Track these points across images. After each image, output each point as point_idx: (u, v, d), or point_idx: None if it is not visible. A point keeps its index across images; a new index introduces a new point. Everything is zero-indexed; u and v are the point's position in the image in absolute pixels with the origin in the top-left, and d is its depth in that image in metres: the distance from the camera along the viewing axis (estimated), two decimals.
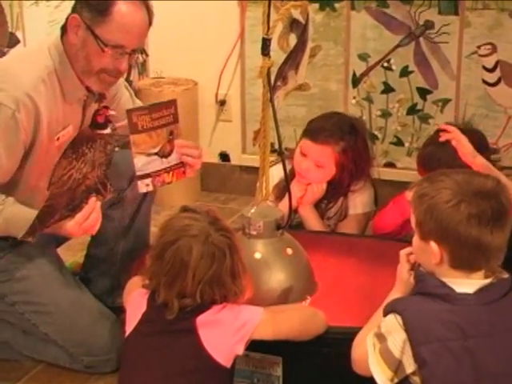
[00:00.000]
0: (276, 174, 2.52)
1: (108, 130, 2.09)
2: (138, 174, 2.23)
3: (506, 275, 1.70)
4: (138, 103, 2.55)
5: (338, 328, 1.99)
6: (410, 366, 1.62)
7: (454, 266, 1.68)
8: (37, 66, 2.17)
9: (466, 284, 1.66)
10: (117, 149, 2.48)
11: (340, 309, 2.12)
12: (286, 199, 2.51)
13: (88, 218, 2.13)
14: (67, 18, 2.17)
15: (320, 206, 2.75)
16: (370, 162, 2.73)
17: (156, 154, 2.24)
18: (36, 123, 2.15)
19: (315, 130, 2.65)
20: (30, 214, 2.10)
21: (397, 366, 1.64)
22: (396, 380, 1.65)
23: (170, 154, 2.27)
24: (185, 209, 1.92)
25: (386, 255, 2.41)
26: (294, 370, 2.03)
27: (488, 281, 1.67)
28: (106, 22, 2.11)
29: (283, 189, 2.64)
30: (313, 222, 2.72)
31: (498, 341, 1.63)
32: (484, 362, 1.61)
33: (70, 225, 2.12)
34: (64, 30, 2.19)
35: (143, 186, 2.25)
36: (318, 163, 2.62)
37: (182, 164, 2.31)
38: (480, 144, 2.52)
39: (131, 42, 2.15)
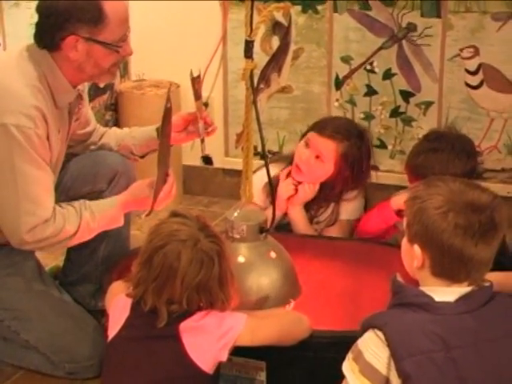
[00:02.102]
0: (260, 178, 2.52)
1: (169, 105, 2.13)
2: (201, 137, 2.40)
3: (487, 283, 1.68)
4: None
5: (323, 332, 1.98)
6: (397, 382, 1.58)
7: (434, 274, 1.66)
8: (27, 76, 2.15)
9: (446, 292, 1.64)
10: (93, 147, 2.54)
11: (324, 312, 2.12)
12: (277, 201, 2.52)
13: (173, 187, 2.24)
14: (56, 40, 2.13)
15: (310, 210, 2.73)
16: (368, 175, 2.72)
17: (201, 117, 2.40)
18: (48, 133, 2.15)
19: (324, 125, 2.68)
20: (111, 202, 2.26)
21: (385, 383, 1.60)
22: None
23: None
24: (174, 214, 1.91)
25: (370, 258, 2.41)
26: (277, 374, 2.02)
27: (469, 289, 1.65)
28: (105, 26, 2.13)
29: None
30: (301, 224, 2.69)
31: (483, 351, 1.60)
32: (469, 373, 1.58)
33: (161, 196, 2.20)
34: (53, 48, 2.15)
35: (205, 149, 2.41)
36: (319, 156, 2.62)
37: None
38: (470, 150, 2.52)
39: (128, 25, 2.21)
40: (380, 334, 1.60)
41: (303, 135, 2.72)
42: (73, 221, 2.17)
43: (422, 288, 1.67)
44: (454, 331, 1.60)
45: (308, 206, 2.72)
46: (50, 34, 2.14)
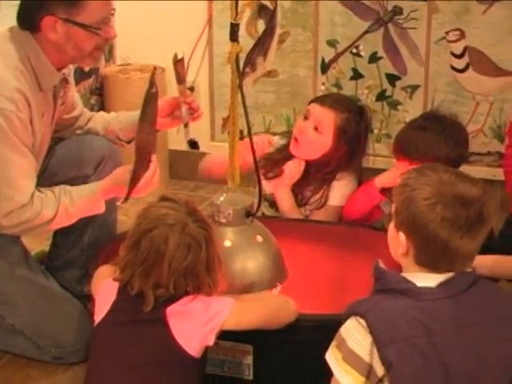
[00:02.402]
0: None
1: (154, 89, 2.11)
2: (185, 122, 2.40)
3: (469, 269, 1.68)
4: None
5: (309, 316, 1.98)
6: (380, 369, 1.58)
7: (417, 262, 1.66)
8: (10, 58, 2.13)
9: (428, 278, 1.65)
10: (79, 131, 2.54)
11: (311, 296, 2.12)
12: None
13: (155, 175, 2.18)
14: (36, 20, 2.12)
15: (306, 192, 2.68)
16: (363, 154, 2.67)
17: (185, 102, 2.39)
18: (30, 116, 2.13)
19: (325, 96, 2.73)
20: (92, 188, 2.22)
21: (368, 371, 1.59)
22: None
23: None
24: (164, 198, 1.91)
25: (356, 242, 2.41)
26: (264, 358, 2.02)
27: (450, 274, 1.65)
28: (83, 7, 2.10)
29: (276, 162, 2.64)
30: (287, 206, 2.65)
31: (466, 335, 1.60)
32: (452, 359, 1.58)
33: (142, 184, 2.16)
34: (34, 29, 2.14)
35: (188, 134, 2.46)
36: (317, 128, 2.58)
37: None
38: (460, 138, 2.51)
39: (109, 8, 2.18)
40: (362, 321, 1.60)
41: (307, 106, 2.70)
42: (51, 206, 2.15)
43: (404, 274, 1.67)
44: (436, 317, 1.60)
45: (302, 188, 2.67)
46: (29, 14, 2.13)
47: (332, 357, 1.64)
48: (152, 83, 2.09)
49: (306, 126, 2.60)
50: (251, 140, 2.11)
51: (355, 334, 1.60)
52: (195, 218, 1.85)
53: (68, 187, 2.21)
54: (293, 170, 2.63)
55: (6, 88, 2.07)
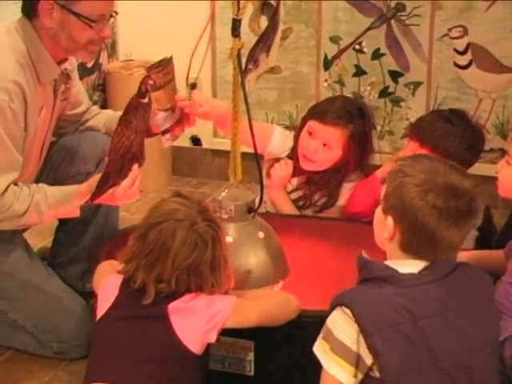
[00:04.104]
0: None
1: (146, 100, 2.09)
2: (162, 129, 2.33)
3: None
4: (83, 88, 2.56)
5: (311, 312, 1.98)
6: (368, 358, 1.59)
7: (402, 248, 1.67)
8: (11, 50, 2.13)
9: (411, 264, 1.66)
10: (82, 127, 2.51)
11: (312, 292, 2.12)
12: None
13: (133, 185, 2.15)
14: (34, 4, 2.13)
15: (318, 198, 2.65)
16: (371, 150, 2.65)
17: (169, 109, 2.31)
18: (25, 109, 2.13)
19: (323, 112, 2.59)
20: (70, 190, 2.18)
21: (357, 360, 1.60)
22: (360, 375, 1.61)
23: (175, 109, 2.34)
24: (177, 194, 1.92)
25: (358, 238, 2.40)
26: (265, 354, 2.02)
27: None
28: None
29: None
30: (287, 207, 2.64)
31: (451, 319, 1.61)
32: (439, 343, 1.59)
33: (118, 192, 2.13)
34: (32, 14, 2.15)
35: (165, 142, 2.36)
36: (326, 144, 2.56)
37: (181, 117, 2.38)
38: (475, 145, 2.50)
39: (109, 7, 2.18)
40: (347, 311, 1.61)
41: (302, 122, 2.64)
42: (23, 201, 2.14)
43: (387, 262, 1.69)
44: (420, 302, 1.61)
45: (313, 193, 2.63)
46: None
47: (320, 348, 1.64)
48: (143, 93, 2.07)
49: (315, 147, 2.56)
50: (253, 136, 2.10)
51: (341, 325, 1.61)
52: (205, 217, 1.85)
53: (45, 186, 2.20)
54: (279, 172, 2.61)
55: (3, 79, 2.07)
